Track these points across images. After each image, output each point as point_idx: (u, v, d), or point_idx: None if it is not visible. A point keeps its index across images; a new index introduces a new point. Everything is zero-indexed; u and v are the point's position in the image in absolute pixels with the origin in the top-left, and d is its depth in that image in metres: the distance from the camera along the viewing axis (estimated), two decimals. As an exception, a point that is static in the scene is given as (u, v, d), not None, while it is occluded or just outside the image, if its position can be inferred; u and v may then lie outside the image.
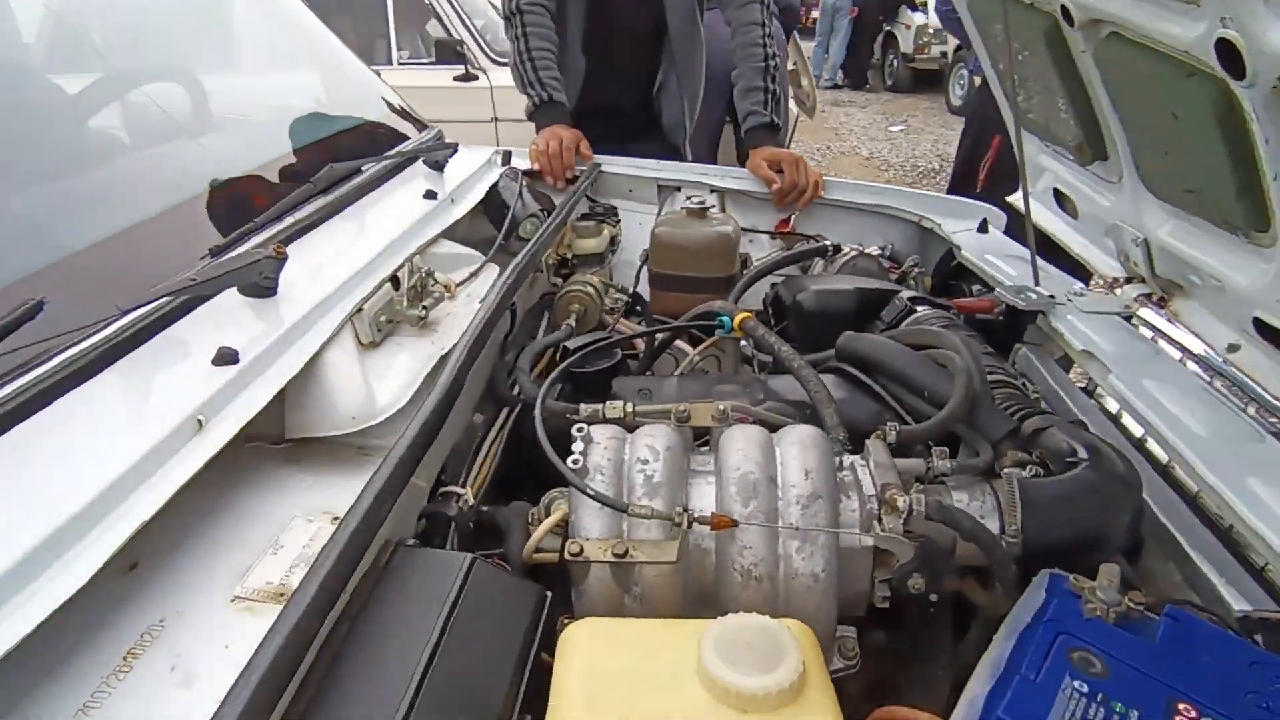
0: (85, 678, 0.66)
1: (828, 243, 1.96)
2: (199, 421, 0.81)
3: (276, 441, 1.00)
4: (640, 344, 1.77)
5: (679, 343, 1.68)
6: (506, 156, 2.05)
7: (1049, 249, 1.92)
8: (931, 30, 10.74)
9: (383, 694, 0.64)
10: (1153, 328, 1.54)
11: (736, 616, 0.69)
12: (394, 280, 1.23)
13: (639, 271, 1.95)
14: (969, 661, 1.06)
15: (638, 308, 1.72)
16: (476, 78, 4.05)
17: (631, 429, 1.03)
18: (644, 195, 2.15)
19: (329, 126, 1.72)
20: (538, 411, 0.97)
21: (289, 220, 1.19)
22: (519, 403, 1.18)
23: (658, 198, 2.14)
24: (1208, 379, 1.39)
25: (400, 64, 4.18)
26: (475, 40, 4.07)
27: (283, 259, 1.00)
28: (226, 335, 0.93)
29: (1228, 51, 0.98)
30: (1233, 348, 1.36)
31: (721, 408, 0.98)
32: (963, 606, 1.05)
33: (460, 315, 1.30)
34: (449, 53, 3.96)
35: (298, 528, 0.85)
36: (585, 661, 0.70)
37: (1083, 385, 1.51)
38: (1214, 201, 1.24)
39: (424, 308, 1.19)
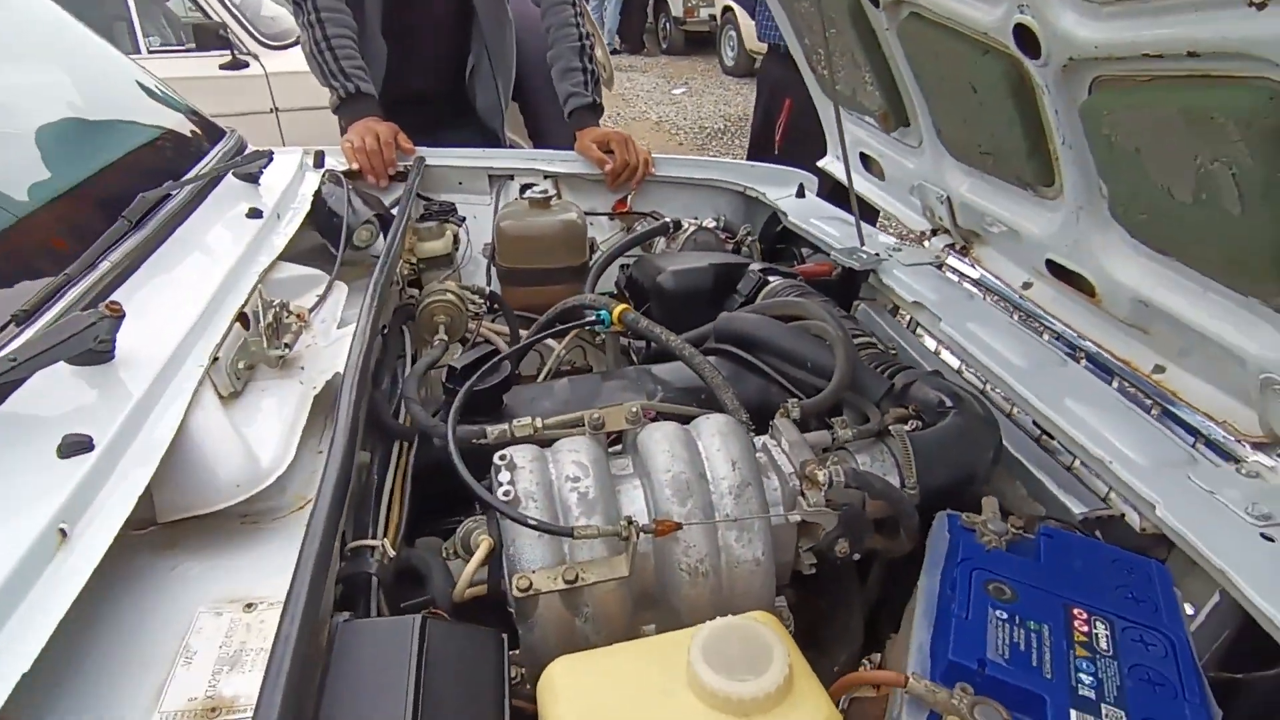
0: None
1: (667, 220, 2.01)
2: (61, 531, 0.68)
3: (140, 527, 0.87)
4: (504, 344, 1.72)
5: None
6: (319, 157, 1.88)
7: (844, 195, 2.10)
8: (699, -7, 11.17)
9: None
10: (959, 273, 1.76)
11: (716, 623, 0.71)
12: (242, 318, 1.09)
13: (488, 268, 1.89)
14: (875, 599, 1.17)
15: (497, 307, 1.67)
16: (247, 64, 3.63)
17: (543, 443, 1.01)
18: (475, 186, 2.06)
19: (103, 142, 1.46)
20: (452, 446, 0.91)
21: (104, 266, 1.01)
22: (414, 435, 1.11)
23: (490, 188, 2.07)
24: (1009, 314, 1.61)
25: (151, 52, 3.64)
26: (238, 21, 3.63)
27: (119, 317, 0.85)
28: (67, 418, 0.78)
29: (1024, 34, 1.12)
30: (1026, 285, 1.58)
31: (634, 409, 0.99)
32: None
33: (320, 346, 1.19)
34: (210, 37, 3.50)
35: (206, 625, 0.75)
36: (574, 699, 0.69)
37: (911, 329, 1.69)
38: (1007, 162, 1.42)
39: (285, 345, 1.08)
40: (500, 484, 0.87)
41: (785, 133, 3.55)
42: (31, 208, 1.12)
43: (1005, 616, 0.80)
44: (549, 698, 0.70)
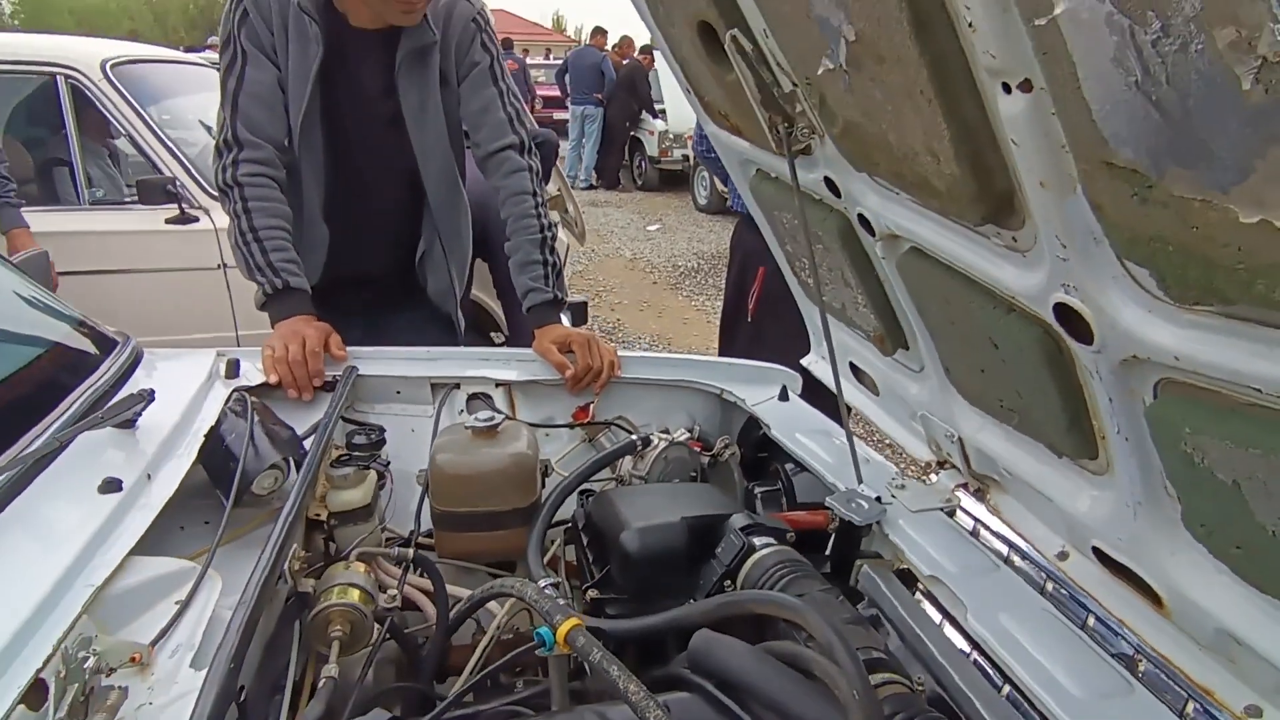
0: None
1: (635, 438, 1.76)
2: None
3: None
4: (430, 607, 1.41)
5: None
6: (233, 368, 1.62)
7: (827, 394, 1.87)
8: (672, 135, 11.63)
9: None
10: (976, 519, 1.50)
11: None
12: (36, 689, 0.78)
13: (420, 501, 1.59)
14: None
15: (425, 569, 1.37)
16: (196, 219, 3.45)
17: None
18: (416, 397, 1.81)
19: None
20: None
21: None
22: None
23: (433, 398, 1.82)
24: (1041, 582, 1.35)
25: (94, 204, 3.45)
26: (189, 174, 3.48)
27: None
28: None
29: (1069, 314, 0.92)
30: (1062, 555, 1.32)
31: None
32: None
33: (156, 708, 0.87)
34: (156, 193, 3.33)
35: None
36: None
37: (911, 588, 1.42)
38: (1038, 428, 1.20)
39: (86, 739, 0.76)
40: None
41: (759, 301, 3.41)
42: None
43: None
44: None
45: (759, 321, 3.38)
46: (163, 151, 3.48)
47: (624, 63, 12.18)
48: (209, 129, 3.90)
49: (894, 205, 1.21)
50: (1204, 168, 0.62)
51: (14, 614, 0.85)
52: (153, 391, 1.25)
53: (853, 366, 1.83)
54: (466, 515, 1.48)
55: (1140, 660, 1.16)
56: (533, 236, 1.96)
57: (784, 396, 1.98)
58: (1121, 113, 0.68)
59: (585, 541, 1.51)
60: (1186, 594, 1.00)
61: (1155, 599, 1.08)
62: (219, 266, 3.51)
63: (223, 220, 3.54)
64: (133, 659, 0.89)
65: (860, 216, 1.32)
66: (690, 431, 1.89)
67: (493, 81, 1.98)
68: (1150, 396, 0.88)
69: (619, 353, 1.98)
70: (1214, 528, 0.90)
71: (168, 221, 3.43)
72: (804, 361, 2.05)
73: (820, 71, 1.10)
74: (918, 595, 1.36)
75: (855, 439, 1.59)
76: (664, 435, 1.80)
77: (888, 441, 2.09)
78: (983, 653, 1.23)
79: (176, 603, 1.02)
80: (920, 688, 1.03)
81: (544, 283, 1.95)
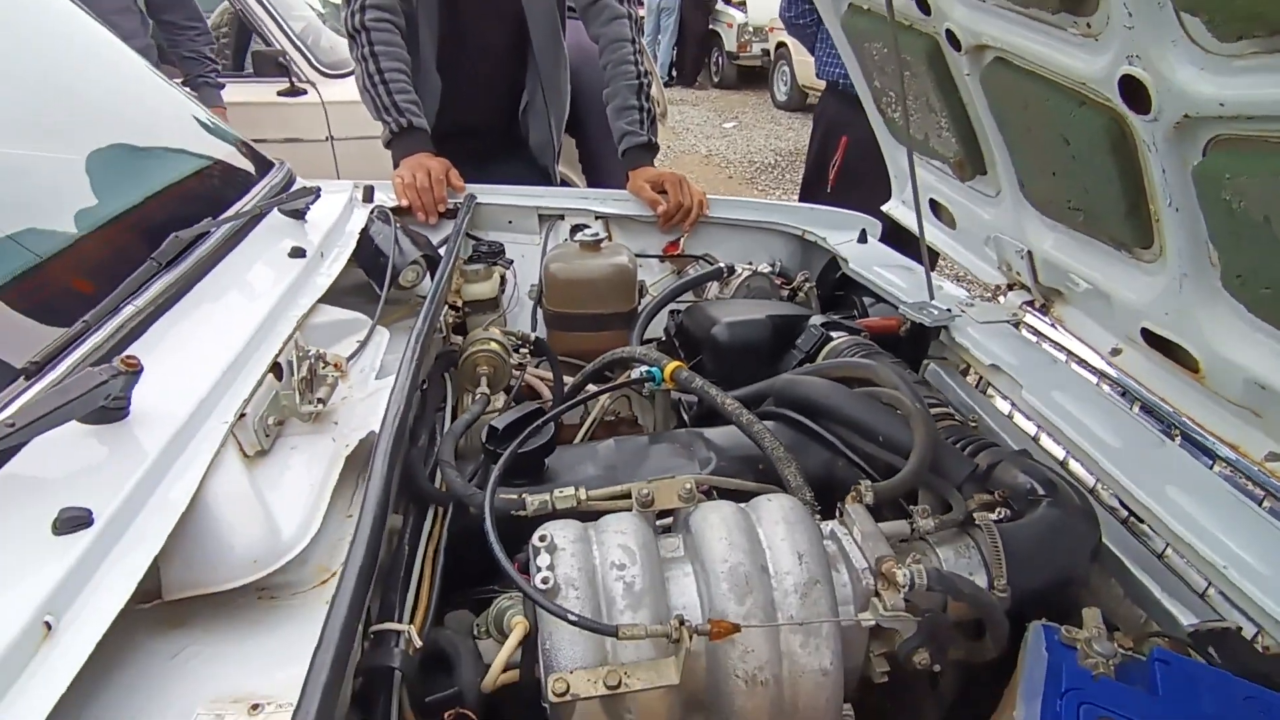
0: None
1: (721, 265, 1.93)
2: (46, 624, 0.62)
3: (146, 599, 0.80)
4: (547, 390, 1.65)
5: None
6: (369, 192, 1.84)
7: (906, 241, 1.99)
8: (752, 28, 11.22)
9: None
10: (1038, 333, 1.63)
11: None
12: (275, 369, 1.03)
13: (534, 310, 1.82)
14: (950, 702, 1.05)
15: (544, 355, 1.59)
16: (305, 91, 3.68)
17: (586, 515, 0.93)
18: (525, 226, 2.01)
19: (150, 169, 1.44)
20: (489, 526, 0.83)
21: (127, 312, 0.96)
22: (449, 501, 1.03)
23: (540, 228, 2.01)
24: (1095, 381, 1.48)
25: (212, 76, 3.72)
26: (298, 49, 3.69)
27: (135, 373, 0.79)
28: (70, 485, 0.72)
29: (1131, 87, 1.02)
30: (1115, 351, 1.45)
31: (687, 486, 0.90)
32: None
33: (356, 399, 1.12)
34: (269, 65, 3.56)
35: (206, 730, 0.67)
36: None
37: (981, 390, 1.56)
38: (1101, 220, 1.30)
39: (319, 400, 1.01)
40: (539, 569, 0.78)
41: (840, 171, 3.46)
42: (72, 240, 1.09)
43: (1124, 768, 0.68)
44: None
45: (838, 192, 3.44)
46: (271, 25, 3.68)
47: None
48: (313, 8, 4.09)
49: (979, 14, 1.30)
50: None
51: (246, 326, 1.10)
52: (319, 188, 1.48)
53: (932, 203, 1.93)
54: (575, 316, 1.70)
55: (1176, 434, 1.30)
56: (630, 82, 2.09)
57: (863, 239, 2.09)
58: None
59: (678, 344, 1.71)
60: (1221, 352, 1.12)
61: (1193, 367, 1.21)
62: (326, 139, 3.75)
63: (329, 94, 3.82)
64: (335, 366, 1.14)
65: (948, 32, 1.41)
66: (772, 266, 2.05)
67: (594, -71, 2.07)
68: (1199, 156, 0.99)
69: (708, 196, 2.13)
70: (1248, 275, 1.02)
71: (279, 94, 3.67)
72: (885, 207, 2.15)
73: (915, -125, 1.18)
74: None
75: (936, 277, 1.71)
76: (748, 266, 1.97)
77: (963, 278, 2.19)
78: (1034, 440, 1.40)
79: (357, 341, 1.27)
80: (973, 424, 1.20)
81: (639, 127, 2.10)
